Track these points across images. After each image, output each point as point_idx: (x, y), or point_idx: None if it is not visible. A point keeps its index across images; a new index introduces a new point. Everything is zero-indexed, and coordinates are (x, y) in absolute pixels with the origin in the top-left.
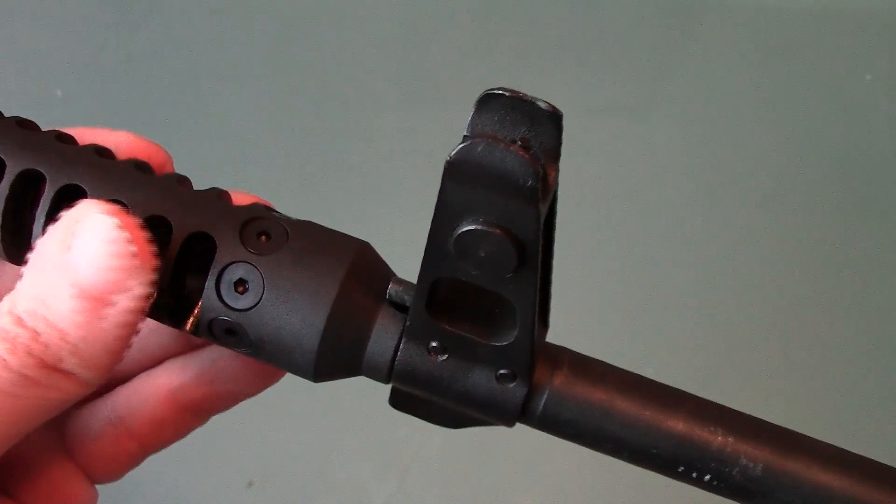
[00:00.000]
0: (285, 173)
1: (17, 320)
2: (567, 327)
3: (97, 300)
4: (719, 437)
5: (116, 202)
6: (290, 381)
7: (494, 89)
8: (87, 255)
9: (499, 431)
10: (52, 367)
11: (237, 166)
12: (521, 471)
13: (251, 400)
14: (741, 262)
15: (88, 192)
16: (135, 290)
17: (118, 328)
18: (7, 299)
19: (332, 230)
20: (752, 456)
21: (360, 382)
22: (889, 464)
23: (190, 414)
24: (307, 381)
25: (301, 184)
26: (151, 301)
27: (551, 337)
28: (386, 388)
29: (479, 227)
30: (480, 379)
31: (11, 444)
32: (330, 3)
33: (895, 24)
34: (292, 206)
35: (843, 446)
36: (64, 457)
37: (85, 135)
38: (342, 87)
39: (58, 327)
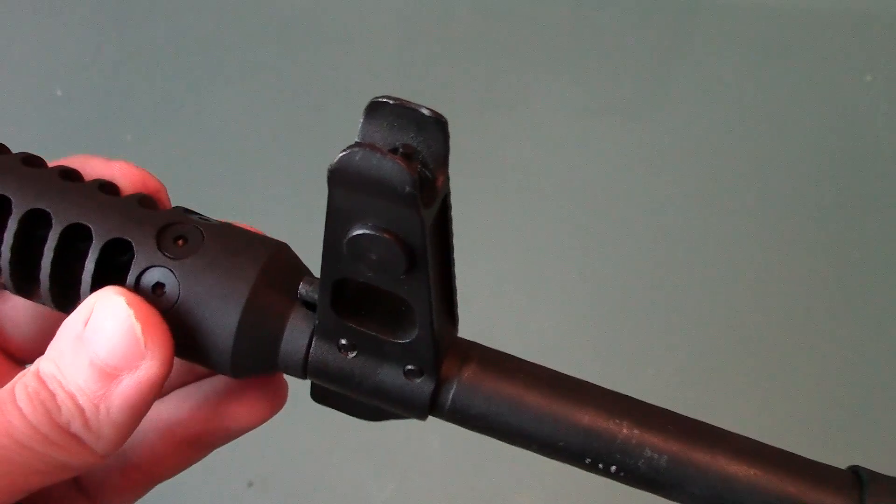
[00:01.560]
0: (285, 173)
1: (39, 379)
2: (567, 326)
3: (108, 375)
4: (624, 430)
5: (38, 210)
6: (290, 381)
7: (380, 97)
8: (101, 332)
9: None
10: (64, 430)
11: (236, 166)
12: (521, 471)
13: None
14: (741, 262)
15: (13, 201)
16: (143, 370)
17: (124, 404)
18: (37, 361)
19: (248, 232)
20: (658, 447)
21: None
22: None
23: (189, 448)
24: (306, 382)
25: (300, 183)
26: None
27: (552, 335)
28: None
29: (367, 231)
30: (389, 375)
31: (20, 497)
32: (330, 3)
33: (895, 24)
34: (292, 205)
35: (840, 446)
36: (77, 493)
37: (83, 165)
38: (342, 87)
39: (70, 393)
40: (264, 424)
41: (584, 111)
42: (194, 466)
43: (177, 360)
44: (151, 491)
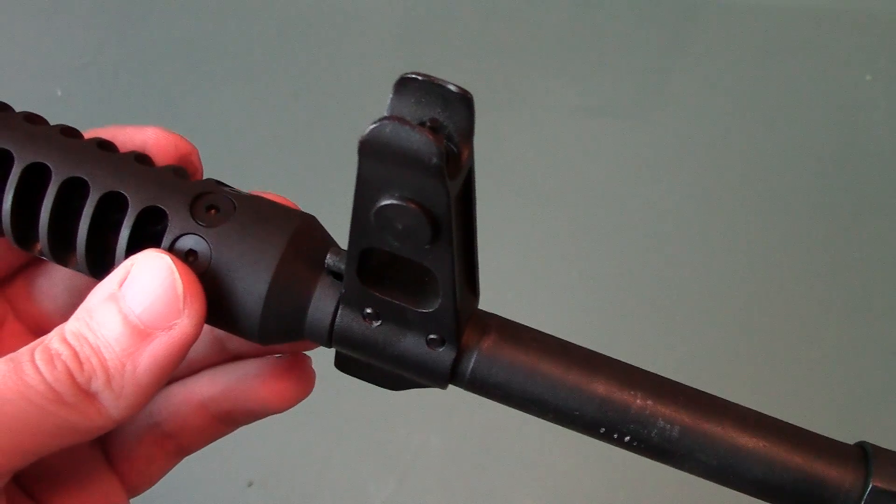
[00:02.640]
0: (285, 172)
1: (63, 339)
2: (566, 326)
3: (141, 332)
4: (638, 401)
5: (76, 178)
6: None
7: (409, 73)
8: (140, 289)
9: (499, 432)
10: (83, 390)
11: (237, 166)
12: (521, 471)
13: None
14: (741, 262)
15: (52, 170)
16: (177, 329)
17: (152, 364)
18: (60, 325)
19: (278, 203)
20: (670, 418)
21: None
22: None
23: (219, 422)
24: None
25: (300, 183)
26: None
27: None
28: (386, 391)
29: (395, 201)
30: (412, 343)
31: (33, 460)
32: (330, 3)
33: (895, 24)
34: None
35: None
36: (105, 467)
37: (116, 135)
38: (342, 86)
39: (97, 350)
40: (264, 424)
41: (584, 111)
42: (194, 466)
43: (209, 340)
44: (152, 490)
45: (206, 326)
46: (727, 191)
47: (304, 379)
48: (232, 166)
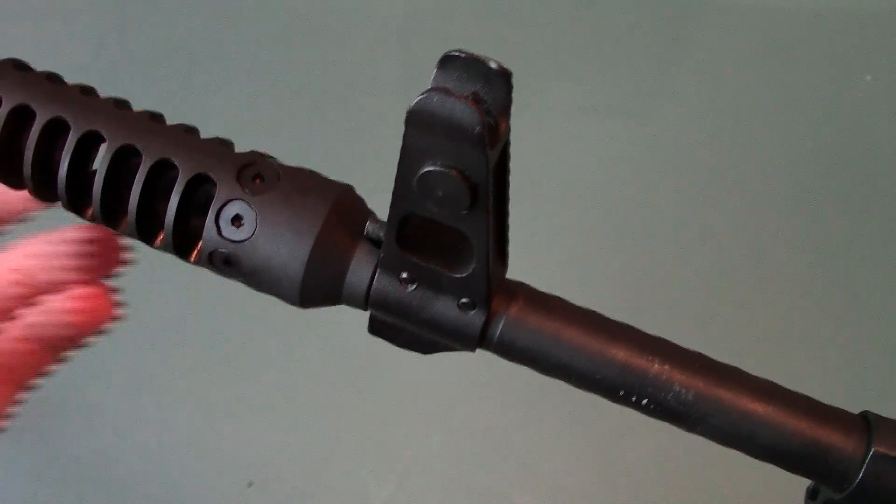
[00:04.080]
0: None
1: None
2: None
3: None
4: (656, 366)
5: (130, 147)
6: (290, 382)
7: (453, 51)
8: None
9: (499, 432)
10: None
11: None
12: (521, 471)
13: (251, 400)
14: (741, 262)
15: (107, 138)
16: None
17: None
18: None
19: (320, 175)
20: (686, 383)
21: (360, 384)
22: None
23: (43, 350)
24: (307, 382)
25: None
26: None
27: None
28: (386, 391)
29: (437, 168)
30: (445, 307)
31: None
32: (330, 4)
33: (895, 24)
34: None
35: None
36: None
37: None
38: (342, 86)
39: None
40: (264, 424)
41: (583, 110)
42: (194, 466)
43: (19, 287)
44: (152, 491)
45: (12, 268)
46: (727, 190)
47: (102, 296)
48: None
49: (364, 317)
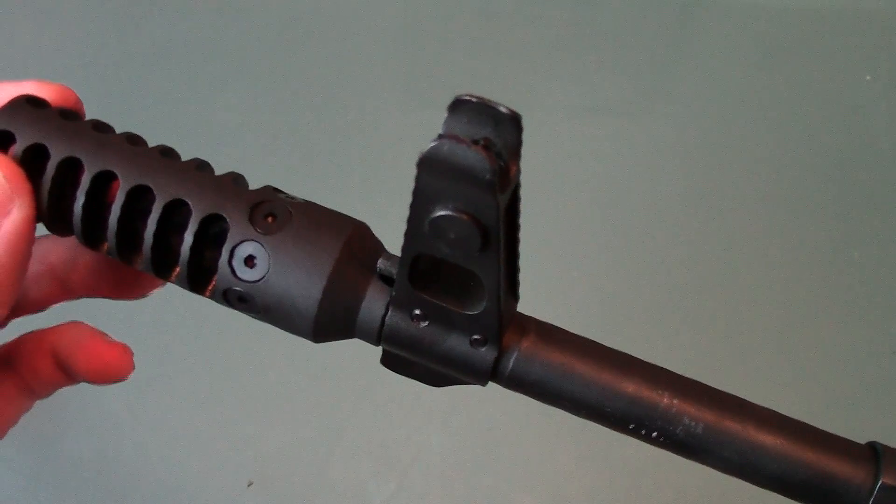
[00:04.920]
0: (285, 172)
1: None
2: (567, 324)
3: None
4: (665, 399)
5: (142, 187)
6: (290, 382)
7: (463, 95)
8: None
9: (499, 431)
10: None
11: (237, 166)
12: (521, 471)
13: (250, 400)
14: (740, 262)
15: (120, 178)
16: (15, 212)
17: (7, 248)
18: None
19: (331, 211)
20: (694, 416)
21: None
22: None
23: (62, 373)
24: (306, 382)
25: (300, 183)
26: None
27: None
28: (386, 391)
29: (449, 212)
30: (456, 343)
31: None
32: (330, 3)
33: (895, 24)
34: None
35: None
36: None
37: None
38: (342, 86)
39: None
40: (264, 424)
41: (584, 111)
42: (194, 466)
43: (48, 279)
44: (153, 491)
45: (43, 261)
46: (727, 190)
47: (122, 360)
48: (232, 166)
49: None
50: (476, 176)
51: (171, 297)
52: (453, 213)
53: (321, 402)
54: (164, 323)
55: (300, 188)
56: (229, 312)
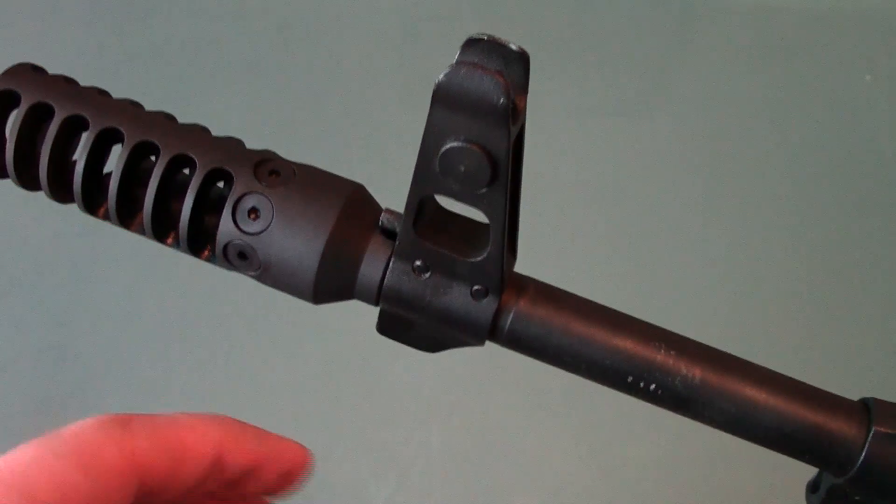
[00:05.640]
0: None
1: None
2: None
3: None
4: (662, 352)
5: (148, 143)
6: (289, 382)
7: (476, 35)
8: None
9: (499, 431)
10: None
11: None
12: (521, 471)
13: (250, 399)
14: (740, 262)
15: (125, 134)
16: None
17: None
18: None
19: (332, 173)
20: (692, 368)
21: (360, 384)
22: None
23: None
24: (306, 382)
25: None
26: (175, 236)
27: None
28: (386, 391)
29: (460, 143)
30: (458, 295)
31: None
32: (330, 4)
33: (895, 24)
34: None
35: None
36: None
37: None
38: (342, 86)
39: None
40: (264, 425)
41: (584, 111)
42: None
43: (208, 463)
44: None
45: (209, 449)
46: (727, 190)
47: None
48: None
49: (367, 319)
50: (491, 100)
51: (171, 296)
52: (465, 144)
53: (321, 401)
54: (164, 323)
55: None
56: (229, 313)
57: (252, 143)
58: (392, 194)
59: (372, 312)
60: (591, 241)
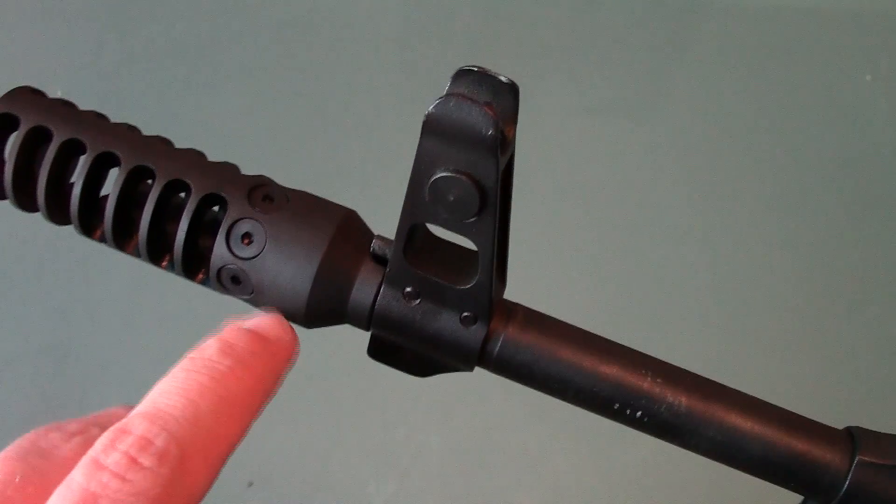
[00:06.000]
0: (284, 173)
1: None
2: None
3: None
4: (649, 380)
5: (144, 168)
6: (289, 382)
7: (466, 66)
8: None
9: (499, 432)
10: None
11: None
12: (521, 471)
13: None
14: (740, 262)
15: (122, 158)
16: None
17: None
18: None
19: (325, 199)
20: (678, 396)
21: (360, 384)
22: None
23: None
24: (306, 382)
25: (300, 183)
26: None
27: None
28: (386, 391)
29: (450, 173)
30: (447, 321)
31: None
32: (330, 3)
33: (895, 24)
34: None
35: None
36: None
37: None
38: (342, 86)
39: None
40: (264, 424)
41: (584, 111)
42: None
43: None
44: None
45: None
46: (727, 191)
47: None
48: None
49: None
50: (479, 132)
51: (171, 296)
52: (454, 174)
53: (321, 401)
54: (164, 323)
55: (299, 187)
56: (230, 312)
57: (250, 143)
58: (391, 195)
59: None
60: (590, 241)
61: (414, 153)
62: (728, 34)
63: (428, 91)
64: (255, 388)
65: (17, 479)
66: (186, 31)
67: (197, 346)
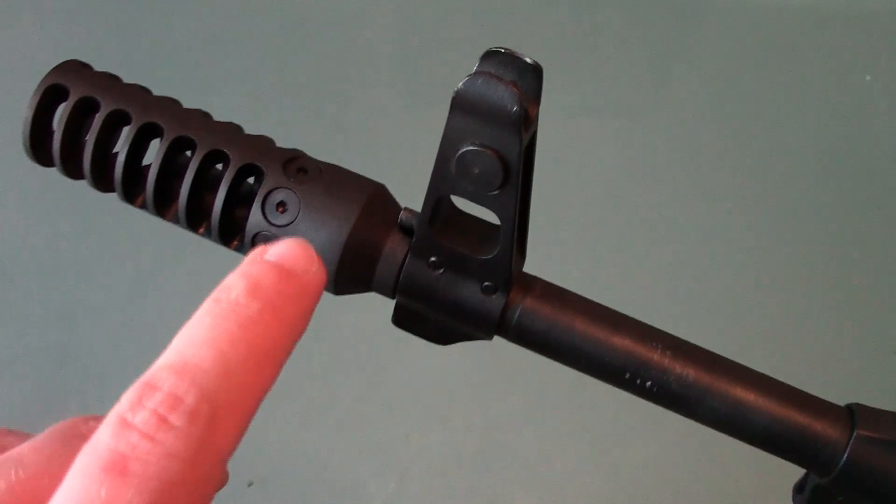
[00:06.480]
0: None
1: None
2: None
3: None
4: (659, 351)
5: (186, 138)
6: (289, 382)
7: (494, 47)
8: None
9: (499, 432)
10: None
11: None
12: (521, 471)
13: None
14: (740, 262)
15: (164, 129)
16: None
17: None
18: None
19: (356, 173)
20: (686, 367)
21: (360, 384)
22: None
23: None
24: (306, 382)
25: None
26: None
27: None
28: (386, 391)
29: (475, 147)
30: (469, 290)
31: None
32: (331, 3)
33: (895, 24)
34: None
35: None
36: None
37: None
38: (342, 86)
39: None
40: (264, 424)
41: (584, 111)
42: None
43: None
44: None
45: None
46: (726, 191)
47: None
48: None
49: (367, 320)
50: (505, 108)
51: (171, 296)
52: (479, 148)
53: (321, 401)
54: (164, 323)
55: None
56: None
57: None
58: (393, 193)
59: (372, 314)
60: (591, 241)
61: (413, 153)
62: (728, 34)
63: (428, 91)
64: (285, 333)
65: (60, 459)
66: (186, 30)
67: (221, 285)
